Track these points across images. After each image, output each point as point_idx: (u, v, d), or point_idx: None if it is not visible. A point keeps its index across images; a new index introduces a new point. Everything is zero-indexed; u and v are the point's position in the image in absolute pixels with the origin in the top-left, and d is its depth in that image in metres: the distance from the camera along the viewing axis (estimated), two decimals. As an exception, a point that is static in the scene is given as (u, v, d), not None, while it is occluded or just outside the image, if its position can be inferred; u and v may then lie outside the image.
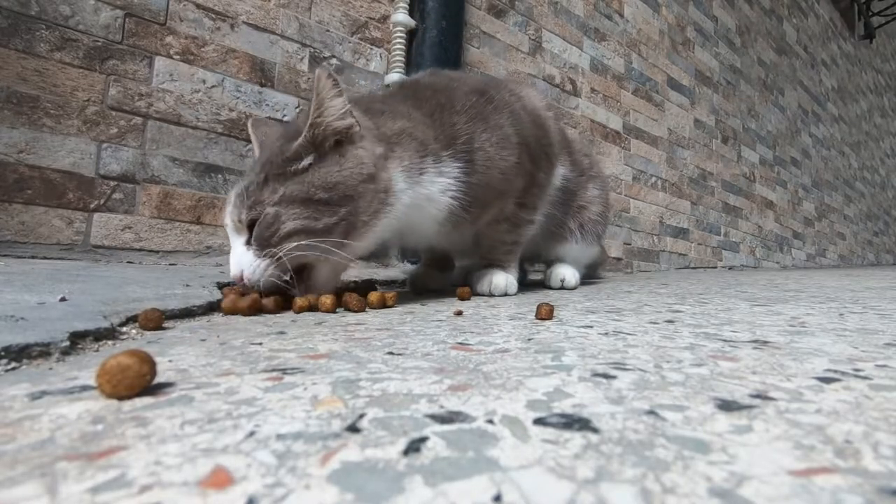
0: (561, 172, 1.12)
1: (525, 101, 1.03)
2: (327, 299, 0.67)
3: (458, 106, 0.89)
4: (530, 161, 0.97)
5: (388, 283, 1.20)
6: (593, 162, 1.35)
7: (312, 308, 0.68)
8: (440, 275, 1.11)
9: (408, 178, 0.77)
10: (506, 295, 0.97)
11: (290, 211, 0.68)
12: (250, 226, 0.69)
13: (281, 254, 0.67)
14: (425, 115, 0.85)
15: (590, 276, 1.58)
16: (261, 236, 0.68)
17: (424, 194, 0.80)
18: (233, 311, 0.64)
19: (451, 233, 0.90)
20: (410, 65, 1.62)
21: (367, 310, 0.70)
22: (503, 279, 0.97)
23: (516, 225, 1.01)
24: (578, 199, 1.22)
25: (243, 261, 0.69)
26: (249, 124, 0.89)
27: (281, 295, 0.69)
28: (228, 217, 0.72)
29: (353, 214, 0.71)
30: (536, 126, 1.00)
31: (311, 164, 0.71)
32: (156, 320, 0.51)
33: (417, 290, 1.04)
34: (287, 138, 0.74)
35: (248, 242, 0.69)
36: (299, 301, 0.68)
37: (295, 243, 0.68)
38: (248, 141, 1.35)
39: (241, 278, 0.68)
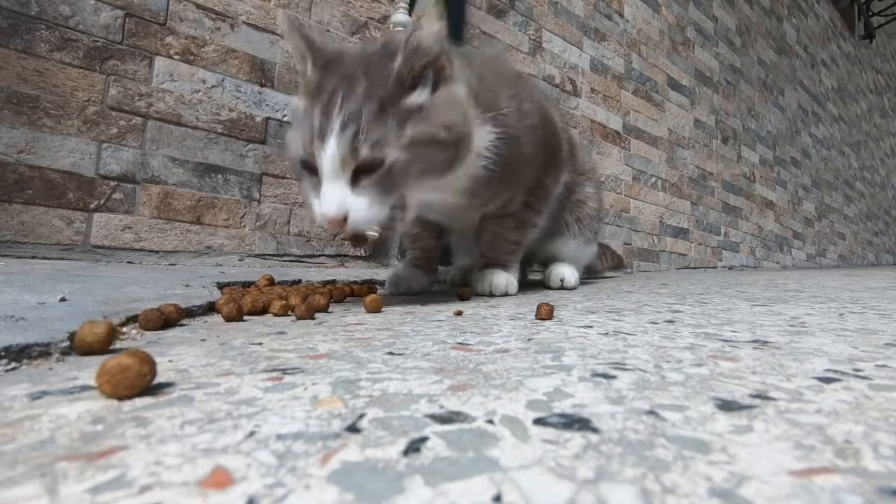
0: (564, 179, 1.13)
1: (543, 106, 1.05)
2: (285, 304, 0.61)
3: (504, 78, 0.89)
4: (543, 158, 0.98)
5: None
6: (588, 161, 1.35)
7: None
8: (424, 276, 1.04)
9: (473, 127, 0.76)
10: (506, 295, 0.97)
11: (420, 154, 0.62)
12: (363, 166, 0.60)
13: (410, 205, 0.64)
14: (475, 74, 0.82)
15: (588, 275, 1.58)
16: (384, 183, 0.61)
17: (475, 149, 0.78)
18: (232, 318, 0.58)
19: (467, 207, 0.89)
20: (410, 65, 1.62)
21: (314, 317, 0.61)
22: (503, 279, 0.97)
23: (522, 223, 1.01)
24: (576, 195, 1.22)
25: (352, 204, 0.60)
26: (285, 19, 0.71)
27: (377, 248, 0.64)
28: (329, 149, 0.60)
29: (455, 157, 0.69)
30: (550, 132, 1.02)
31: (424, 102, 0.65)
32: (155, 320, 0.51)
33: (399, 290, 0.98)
34: (380, 59, 0.65)
35: (353, 184, 0.61)
36: (277, 305, 0.61)
37: (420, 195, 0.64)
38: (249, 140, 1.35)
39: (339, 223, 0.60)
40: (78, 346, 0.38)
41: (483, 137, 0.80)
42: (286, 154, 0.73)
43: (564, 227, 1.21)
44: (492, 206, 0.94)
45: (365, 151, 0.60)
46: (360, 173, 0.62)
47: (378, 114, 0.61)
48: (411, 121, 0.63)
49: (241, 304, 0.59)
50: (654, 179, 2.74)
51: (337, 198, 0.60)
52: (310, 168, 0.65)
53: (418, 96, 0.65)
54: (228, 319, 0.57)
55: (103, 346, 0.38)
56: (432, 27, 0.67)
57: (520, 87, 0.93)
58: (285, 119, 1.42)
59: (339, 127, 0.60)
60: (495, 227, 0.99)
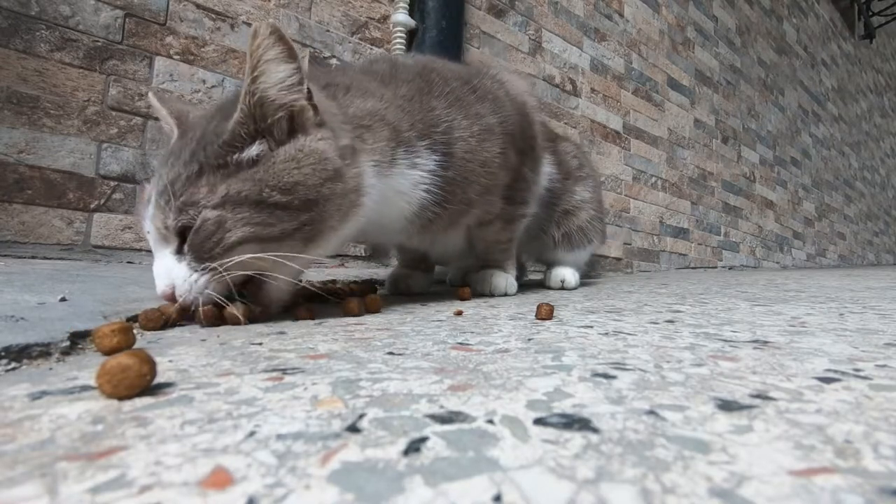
0: (547, 171, 1.08)
1: (508, 86, 0.96)
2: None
3: (437, 91, 0.79)
4: (516, 154, 0.91)
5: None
6: (583, 162, 1.28)
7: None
8: (422, 276, 1.02)
9: (378, 172, 0.67)
10: (505, 295, 0.97)
11: (238, 215, 0.55)
12: (181, 233, 0.56)
13: (222, 269, 0.55)
14: (399, 97, 0.74)
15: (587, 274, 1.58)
16: (198, 246, 0.54)
17: (395, 188, 0.71)
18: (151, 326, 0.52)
19: (422, 231, 0.81)
20: (410, 65, 1.62)
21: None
22: (503, 280, 0.97)
23: (508, 221, 0.97)
24: (564, 204, 1.17)
25: (175, 274, 0.55)
26: (151, 96, 0.69)
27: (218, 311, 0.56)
28: (150, 221, 0.57)
29: (316, 220, 0.59)
30: (521, 115, 0.94)
31: (260, 156, 0.57)
32: (156, 320, 0.51)
33: (399, 290, 0.97)
34: (222, 116, 0.59)
35: (178, 252, 0.56)
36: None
37: (243, 256, 0.55)
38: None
39: (172, 296, 0.55)
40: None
41: (419, 167, 0.73)
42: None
43: (566, 240, 1.19)
44: (470, 219, 0.89)
45: (171, 218, 0.55)
46: (184, 241, 0.56)
47: (195, 175, 0.55)
48: (232, 177, 0.56)
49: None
50: (654, 179, 2.74)
51: (162, 268, 0.56)
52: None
53: (247, 152, 0.57)
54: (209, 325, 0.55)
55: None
56: (277, 69, 0.57)
57: (466, 87, 0.84)
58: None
59: (155, 196, 0.56)
60: (485, 234, 0.96)
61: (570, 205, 1.18)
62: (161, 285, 0.56)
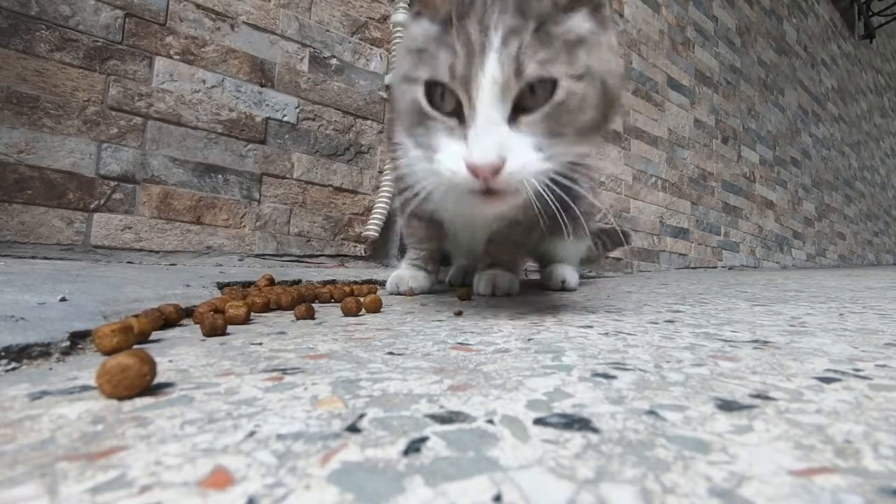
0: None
1: None
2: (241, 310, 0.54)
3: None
4: None
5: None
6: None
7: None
8: (425, 276, 1.00)
9: None
10: (507, 295, 0.97)
11: (593, 92, 0.50)
12: (520, 96, 0.48)
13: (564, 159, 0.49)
14: None
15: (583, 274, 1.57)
16: (554, 121, 0.49)
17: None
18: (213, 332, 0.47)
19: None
20: (410, 65, 1.62)
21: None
22: (506, 280, 0.97)
23: (530, 225, 0.96)
24: (572, 191, 1.18)
25: (512, 144, 0.48)
26: None
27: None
28: (496, 65, 0.47)
29: (607, 114, 0.55)
30: None
31: (589, 31, 0.52)
32: (156, 320, 0.51)
33: (400, 290, 0.95)
34: None
35: (509, 121, 0.49)
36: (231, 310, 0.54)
37: (575, 147, 0.50)
38: (249, 140, 1.35)
39: (496, 169, 0.47)
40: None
41: None
42: (395, 97, 0.59)
43: (562, 226, 1.19)
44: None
45: (531, 68, 0.47)
46: (518, 112, 0.50)
47: (542, 32, 0.48)
48: (583, 48, 0.50)
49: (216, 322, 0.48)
50: (654, 179, 2.74)
51: (494, 138, 0.47)
52: (439, 105, 0.53)
53: (580, 25, 0.51)
54: (209, 335, 0.48)
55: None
56: None
57: None
58: (285, 119, 1.42)
59: (499, 41, 0.47)
60: (504, 230, 0.95)
61: (577, 192, 1.18)
62: (490, 154, 0.47)
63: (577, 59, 0.50)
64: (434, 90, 0.52)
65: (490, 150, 0.47)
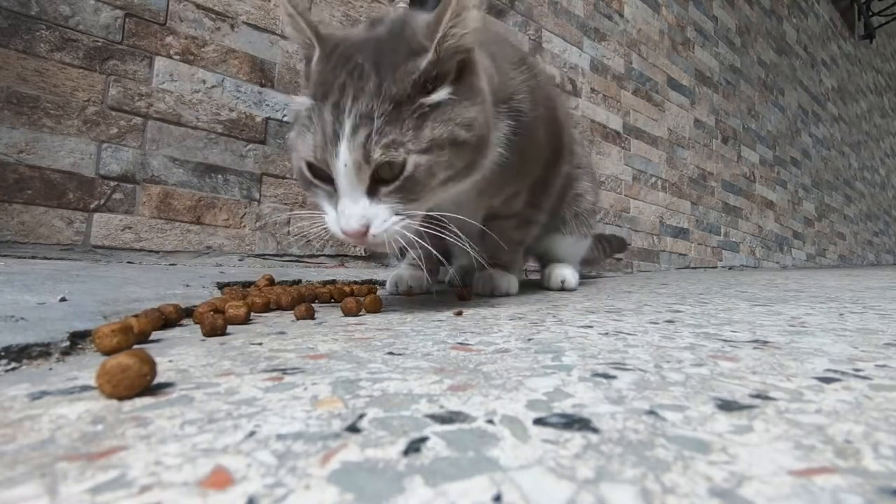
0: (564, 170, 1.09)
1: (549, 92, 0.99)
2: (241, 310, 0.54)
3: (513, 59, 0.83)
4: (549, 150, 0.93)
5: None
6: (585, 154, 1.31)
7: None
8: (425, 276, 1.00)
9: (494, 120, 0.71)
10: (507, 295, 0.96)
11: (440, 158, 0.57)
12: (375, 171, 0.56)
13: (432, 213, 0.60)
14: (488, 57, 0.74)
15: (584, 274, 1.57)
16: (407, 190, 0.57)
17: (494, 140, 0.73)
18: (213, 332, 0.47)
19: (478, 197, 0.84)
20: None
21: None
22: (505, 279, 0.97)
23: (525, 222, 0.99)
24: (574, 189, 1.18)
25: (373, 214, 0.57)
26: (286, 3, 0.61)
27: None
28: (347, 153, 0.55)
29: (480, 157, 0.64)
30: (555, 121, 0.97)
31: (448, 97, 0.59)
32: (156, 320, 0.51)
33: (399, 291, 0.96)
34: (395, 51, 0.59)
35: (370, 193, 0.57)
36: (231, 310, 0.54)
37: (438, 196, 0.59)
38: (249, 140, 1.35)
39: (362, 234, 0.57)
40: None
41: (499, 130, 0.75)
42: (291, 157, 0.69)
43: (562, 224, 1.19)
44: (496, 201, 0.91)
45: (377, 154, 0.55)
46: (377, 182, 0.58)
47: (393, 114, 0.55)
48: (429, 119, 0.57)
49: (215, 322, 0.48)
50: (654, 179, 2.74)
51: (357, 211, 0.57)
52: (319, 175, 0.61)
53: (441, 93, 0.59)
54: (209, 335, 0.47)
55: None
56: (475, 15, 0.58)
57: (530, 69, 0.86)
58: (285, 119, 1.42)
59: (349, 129, 0.55)
60: (499, 227, 0.95)
61: (580, 189, 1.19)
62: (355, 224, 0.57)
63: (423, 134, 0.57)
64: (312, 163, 0.61)
65: (354, 220, 0.57)
